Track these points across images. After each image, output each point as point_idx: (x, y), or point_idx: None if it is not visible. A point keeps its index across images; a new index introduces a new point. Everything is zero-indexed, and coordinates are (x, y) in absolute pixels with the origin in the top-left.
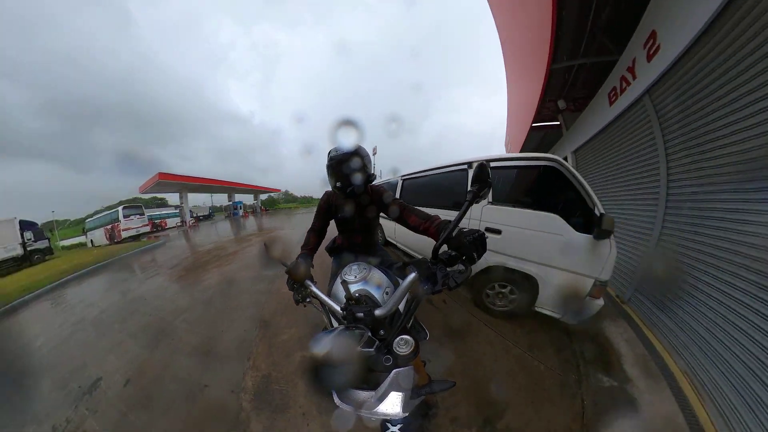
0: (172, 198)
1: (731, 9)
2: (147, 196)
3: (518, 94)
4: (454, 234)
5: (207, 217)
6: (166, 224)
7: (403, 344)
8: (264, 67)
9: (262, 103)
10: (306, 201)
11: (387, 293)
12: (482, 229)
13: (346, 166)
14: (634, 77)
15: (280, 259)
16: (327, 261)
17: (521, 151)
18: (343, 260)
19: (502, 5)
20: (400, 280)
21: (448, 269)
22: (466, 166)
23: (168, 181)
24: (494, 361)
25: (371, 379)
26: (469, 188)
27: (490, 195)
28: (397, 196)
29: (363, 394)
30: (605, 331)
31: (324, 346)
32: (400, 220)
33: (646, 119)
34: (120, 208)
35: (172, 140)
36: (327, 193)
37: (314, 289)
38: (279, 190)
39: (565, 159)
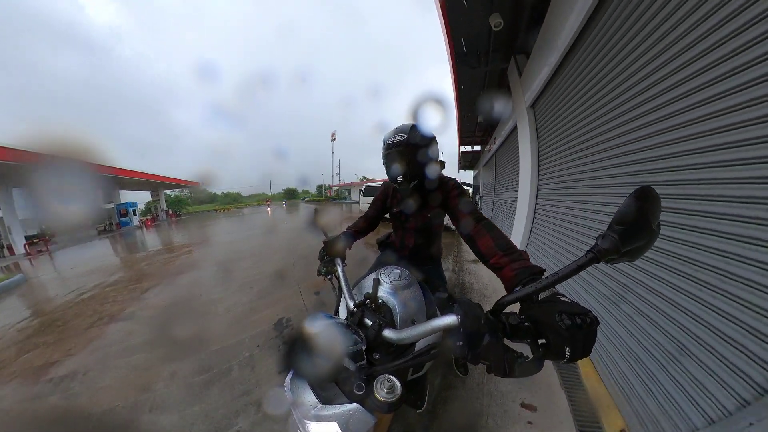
0: None
1: (510, 138)
2: None
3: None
4: (540, 297)
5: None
6: None
7: (387, 386)
8: None
9: (143, 21)
10: (233, 199)
11: (413, 321)
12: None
13: (400, 153)
14: (491, 147)
15: (323, 229)
16: (361, 252)
17: (459, 161)
18: (389, 258)
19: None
20: (439, 312)
21: (505, 341)
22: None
23: None
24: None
25: (329, 390)
26: (604, 233)
27: None
28: None
29: (309, 398)
30: None
31: (315, 326)
32: (469, 238)
33: (492, 164)
34: None
35: None
36: (385, 183)
37: (339, 269)
38: (197, 183)
39: (478, 173)
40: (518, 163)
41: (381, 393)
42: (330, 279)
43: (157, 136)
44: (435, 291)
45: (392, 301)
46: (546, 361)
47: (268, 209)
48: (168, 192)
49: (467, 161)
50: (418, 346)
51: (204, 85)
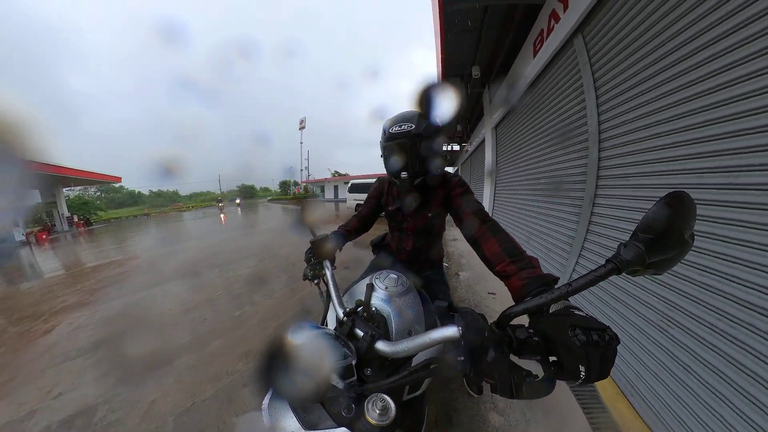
0: None
1: (480, 147)
2: None
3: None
4: (552, 310)
5: None
6: None
7: (379, 407)
8: None
9: None
10: (168, 199)
11: (410, 332)
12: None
13: (406, 145)
14: (469, 148)
15: (311, 227)
16: (354, 253)
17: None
18: (384, 262)
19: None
20: (439, 323)
21: (511, 358)
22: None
23: None
24: None
25: (314, 413)
26: (627, 242)
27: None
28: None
29: (291, 423)
30: None
31: (299, 338)
32: (473, 242)
33: (468, 165)
34: None
35: None
36: (379, 179)
37: (328, 273)
38: (119, 179)
39: (458, 170)
40: (484, 168)
41: (373, 415)
42: (317, 284)
43: (47, 110)
44: (435, 299)
45: (387, 310)
46: (558, 381)
47: (222, 214)
48: (66, 191)
49: (446, 159)
50: (415, 360)
51: (126, 39)
